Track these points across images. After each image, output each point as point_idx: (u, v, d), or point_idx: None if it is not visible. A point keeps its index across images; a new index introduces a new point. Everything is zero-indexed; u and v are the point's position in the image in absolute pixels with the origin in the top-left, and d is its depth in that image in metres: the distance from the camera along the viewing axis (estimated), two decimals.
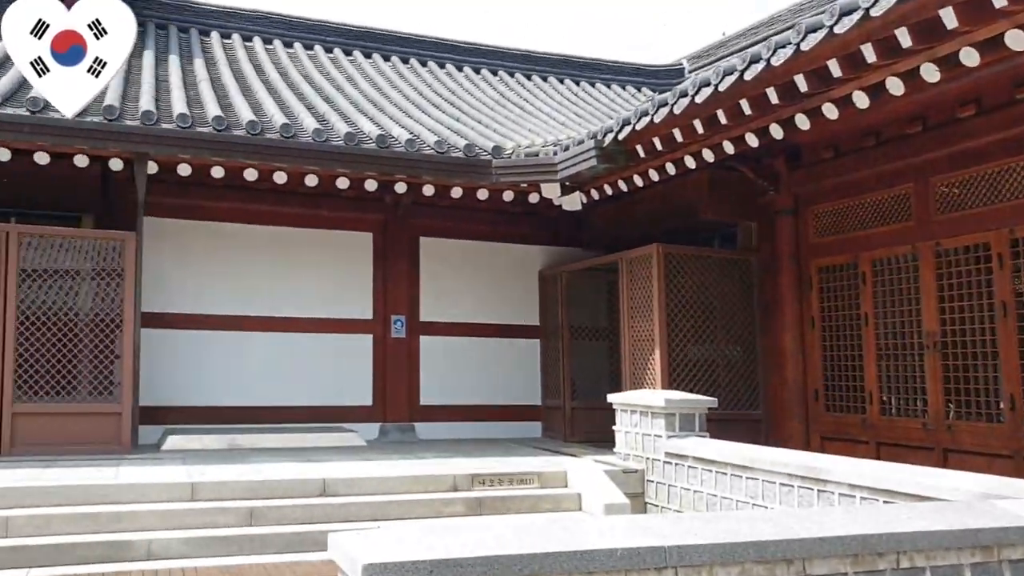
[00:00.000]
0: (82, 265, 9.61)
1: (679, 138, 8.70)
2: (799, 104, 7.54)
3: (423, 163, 10.42)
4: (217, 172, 10.23)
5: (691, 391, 9.71)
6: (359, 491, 8.09)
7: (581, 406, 12.03)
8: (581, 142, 9.86)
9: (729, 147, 8.65)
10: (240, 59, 14.08)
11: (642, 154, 9.39)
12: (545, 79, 17.06)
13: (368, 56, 16.02)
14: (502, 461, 9.36)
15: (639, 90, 17.60)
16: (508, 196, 11.32)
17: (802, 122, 7.78)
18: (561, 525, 3.42)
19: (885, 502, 5.53)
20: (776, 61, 6.95)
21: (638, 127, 8.87)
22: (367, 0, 37.45)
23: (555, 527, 3.36)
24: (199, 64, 12.98)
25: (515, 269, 13.01)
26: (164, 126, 9.39)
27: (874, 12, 5.98)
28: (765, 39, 8.98)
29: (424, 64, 16.31)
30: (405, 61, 16.24)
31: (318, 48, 15.73)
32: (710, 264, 10.46)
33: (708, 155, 8.90)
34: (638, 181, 10.10)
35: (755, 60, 7.19)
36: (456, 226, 12.63)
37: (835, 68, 6.77)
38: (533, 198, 11.34)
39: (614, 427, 9.25)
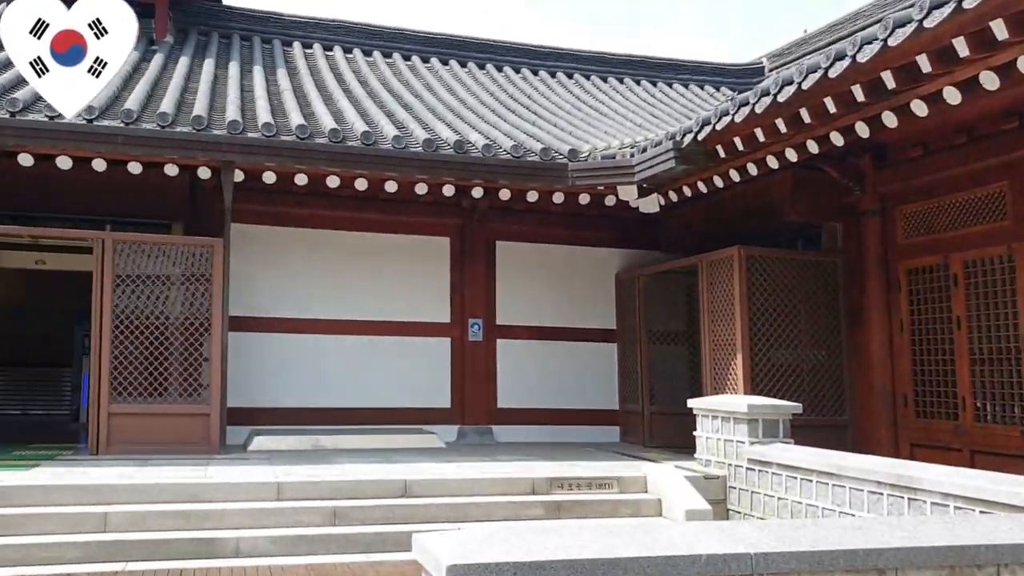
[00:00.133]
0: (172, 271, 9.94)
1: (761, 138, 8.53)
2: (886, 101, 7.33)
3: (499, 167, 10.47)
4: (300, 179, 10.49)
5: (774, 396, 9.51)
6: (439, 493, 8.18)
7: (660, 411, 11.90)
8: (659, 143, 9.77)
9: (813, 146, 8.45)
10: (321, 68, 14.40)
11: (722, 154, 9.25)
12: (621, 80, 16.97)
13: (445, 63, 16.19)
14: (581, 465, 9.33)
15: (717, 90, 17.35)
16: (584, 199, 11.28)
17: (889, 120, 7.56)
18: (644, 530, 3.39)
19: (981, 512, 5.32)
20: (862, 57, 6.76)
21: (718, 127, 8.74)
22: (428, 5, 37.87)
23: (638, 531, 3.33)
24: (282, 74, 13.31)
25: (591, 272, 12.96)
26: (250, 135, 9.66)
27: (967, 4, 5.77)
28: (849, 35, 8.76)
29: (500, 69, 16.40)
30: (481, 67, 16.36)
31: (396, 56, 15.97)
32: (793, 266, 10.22)
33: (791, 155, 8.71)
34: (718, 182, 9.96)
35: (840, 57, 7.01)
36: (532, 230, 12.64)
37: (925, 63, 6.56)
38: (609, 201, 11.28)
39: (694, 432, 9.12)
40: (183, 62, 12.81)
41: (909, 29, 6.27)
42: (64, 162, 9.61)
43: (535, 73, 16.52)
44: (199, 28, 15.02)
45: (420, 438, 11.04)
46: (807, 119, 7.88)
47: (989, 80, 6.57)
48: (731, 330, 10.01)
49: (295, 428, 11.10)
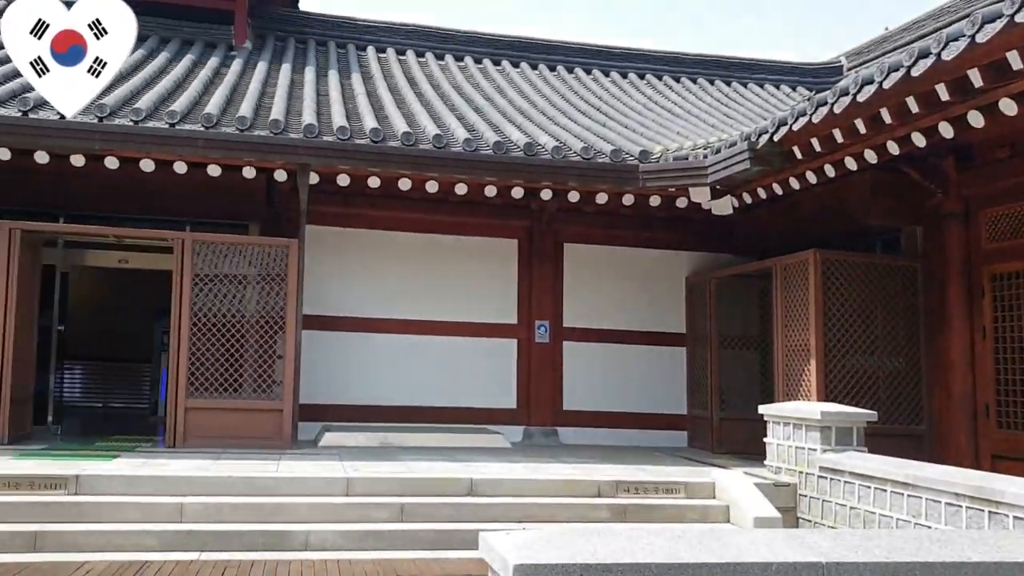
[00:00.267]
0: (248, 270, 10.18)
1: (839, 139, 8.33)
2: (972, 100, 7.08)
3: (569, 169, 10.45)
4: (373, 182, 10.66)
5: (848, 404, 9.27)
6: (505, 492, 8.19)
7: (729, 417, 11.70)
8: (733, 144, 9.62)
9: (894, 147, 8.22)
10: (395, 72, 14.60)
11: (799, 156, 9.06)
12: (694, 80, 16.77)
13: (516, 65, 16.24)
14: (648, 469, 9.25)
15: (794, 89, 17.01)
16: (655, 201, 11.18)
17: (975, 119, 7.30)
18: (713, 535, 3.34)
19: None
20: (947, 55, 6.54)
21: (795, 127, 8.56)
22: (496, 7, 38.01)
23: (707, 537, 3.28)
24: (356, 78, 13.53)
25: (661, 275, 12.83)
26: (325, 139, 9.84)
27: None
28: (933, 32, 8.49)
29: (570, 70, 16.37)
30: (552, 68, 16.35)
31: (468, 59, 16.09)
32: (871, 271, 9.95)
33: (870, 156, 8.49)
34: (794, 184, 9.76)
35: (924, 55, 6.80)
36: (601, 232, 12.58)
37: (1015, 60, 6.31)
38: (681, 203, 11.16)
39: (765, 439, 8.97)
40: (261, 67, 13.12)
41: (999, 25, 6.04)
42: (147, 165, 9.95)
43: (606, 74, 16.44)
44: (276, 34, 15.36)
45: (486, 438, 11.09)
46: (888, 119, 7.67)
47: None
48: (805, 335, 9.80)
49: (364, 425, 11.26)
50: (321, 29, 15.79)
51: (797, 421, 8.37)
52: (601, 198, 11.20)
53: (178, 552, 6.87)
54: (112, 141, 9.44)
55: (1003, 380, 8.83)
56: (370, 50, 15.62)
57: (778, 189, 10.08)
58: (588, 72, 16.41)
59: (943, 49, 6.57)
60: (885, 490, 7.04)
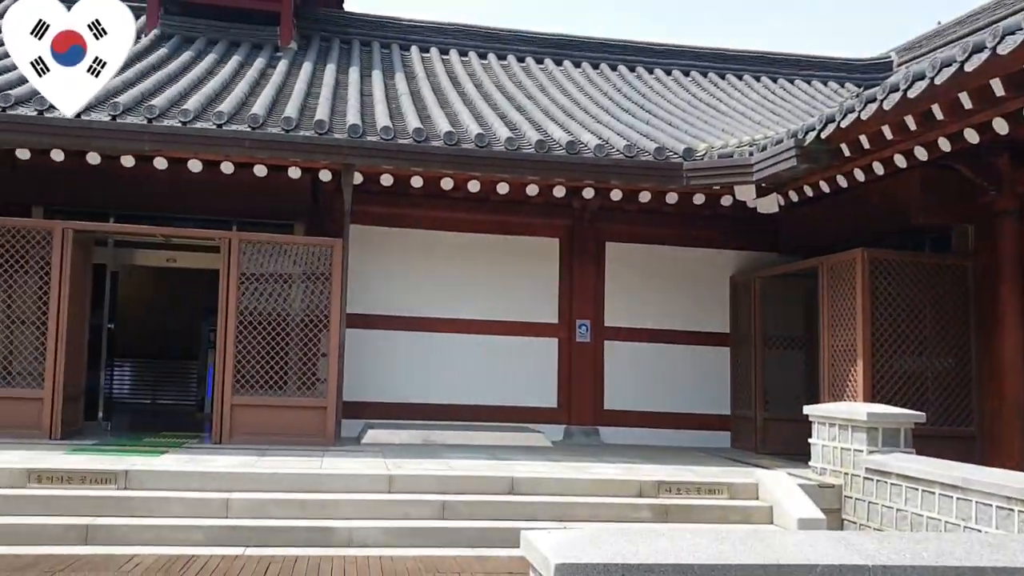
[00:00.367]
0: (293, 269, 10.30)
1: (889, 135, 8.17)
2: None
3: (611, 168, 10.41)
4: (416, 182, 10.73)
5: (895, 405, 9.09)
6: (545, 491, 8.19)
7: (774, 417, 11.56)
8: (780, 141, 9.49)
9: (945, 144, 8.04)
10: (437, 72, 14.66)
11: (847, 153, 8.91)
12: (740, 77, 16.57)
13: (559, 63, 16.20)
14: (690, 470, 9.17)
15: (842, 86, 16.73)
16: (699, 199, 11.08)
17: None
18: (757, 536, 3.30)
19: None
20: (1003, 50, 6.37)
21: (843, 124, 8.41)
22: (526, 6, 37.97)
23: (751, 538, 3.24)
24: (400, 78, 13.62)
25: (704, 274, 12.71)
26: (369, 139, 9.92)
27: None
28: (988, 26, 8.29)
29: (614, 68, 16.29)
30: (595, 66, 16.29)
31: (511, 58, 16.09)
32: (920, 270, 9.76)
33: (921, 153, 8.32)
34: (841, 182, 9.60)
35: (978, 49, 6.63)
36: (643, 231, 12.50)
37: None
38: (725, 201, 11.05)
39: (810, 440, 8.85)
40: (306, 68, 13.27)
41: None
42: (195, 165, 10.13)
43: (650, 71, 16.33)
44: (321, 34, 15.52)
45: (527, 436, 11.09)
46: (939, 116, 7.51)
47: None
48: (852, 335, 9.64)
49: (406, 423, 11.33)
50: (365, 29, 15.92)
51: (843, 422, 8.24)
52: (644, 196, 11.13)
53: (224, 547, 6.98)
54: (161, 142, 9.62)
55: None
56: (414, 49, 15.71)
57: (825, 187, 9.92)
58: (632, 69, 16.31)
59: (999, 43, 6.40)
60: (933, 493, 6.90)
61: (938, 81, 7.07)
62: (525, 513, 7.82)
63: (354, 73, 13.34)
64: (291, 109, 10.40)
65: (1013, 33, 6.29)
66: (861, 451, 7.94)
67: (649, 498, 8.26)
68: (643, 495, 8.30)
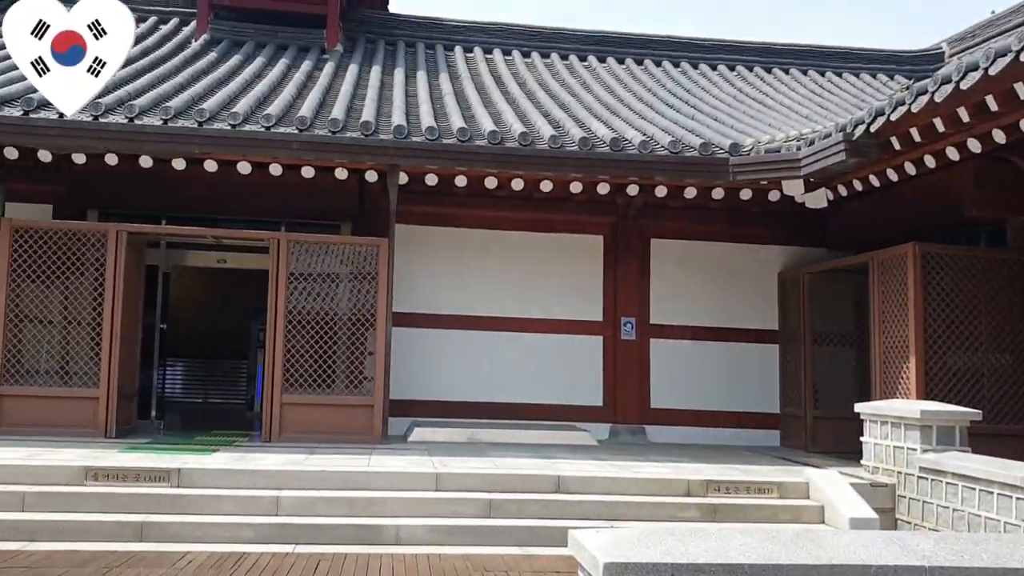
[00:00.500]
0: (340, 269, 10.41)
1: (941, 128, 8.00)
2: None
3: (656, 164, 10.33)
4: (460, 181, 10.77)
5: (950, 402, 8.91)
6: (592, 490, 8.17)
7: (824, 415, 11.39)
8: (828, 135, 9.34)
9: (1000, 136, 7.85)
10: (481, 71, 14.70)
11: (897, 146, 8.74)
12: (787, 71, 16.34)
13: (602, 60, 16.13)
14: (738, 469, 9.08)
15: (891, 78, 16.40)
16: (746, 195, 10.96)
17: None
18: (808, 536, 3.25)
19: None
20: None
21: (893, 117, 8.25)
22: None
23: (802, 538, 3.20)
24: (444, 78, 13.68)
25: (751, 271, 12.57)
26: (414, 139, 9.98)
27: None
28: None
29: (659, 64, 16.17)
30: (639, 63, 16.19)
31: (554, 56, 16.06)
32: (975, 264, 9.54)
33: (974, 145, 8.13)
34: (892, 175, 9.42)
35: None
36: (689, 227, 12.40)
37: None
38: (773, 196, 10.91)
39: (861, 438, 8.71)
40: (352, 70, 13.39)
41: None
42: (244, 167, 10.29)
43: (695, 67, 16.18)
44: (366, 36, 15.65)
45: (572, 435, 11.07)
46: (994, 107, 7.33)
47: None
48: (904, 332, 9.45)
49: (452, 421, 11.38)
50: (410, 30, 16.02)
51: (896, 420, 8.09)
52: (689, 192, 11.04)
53: (274, 544, 7.07)
54: (211, 145, 9.77)
55: None
56: (458, 50, 15.76)
57: (875, 181, 9.75)
58: (676, 65, 16.18)
59: None
60: (991, 492, 6.74)
61: (992, 72, 6.89)
62: (572, 512, 7.81)
63: (399, 74, 13.43)
64: (338, 111, 10.50)
65: None
66: (915, 449, 7.79)
67: (697, 497, 8.19)
68: (691, 494, 8.23)
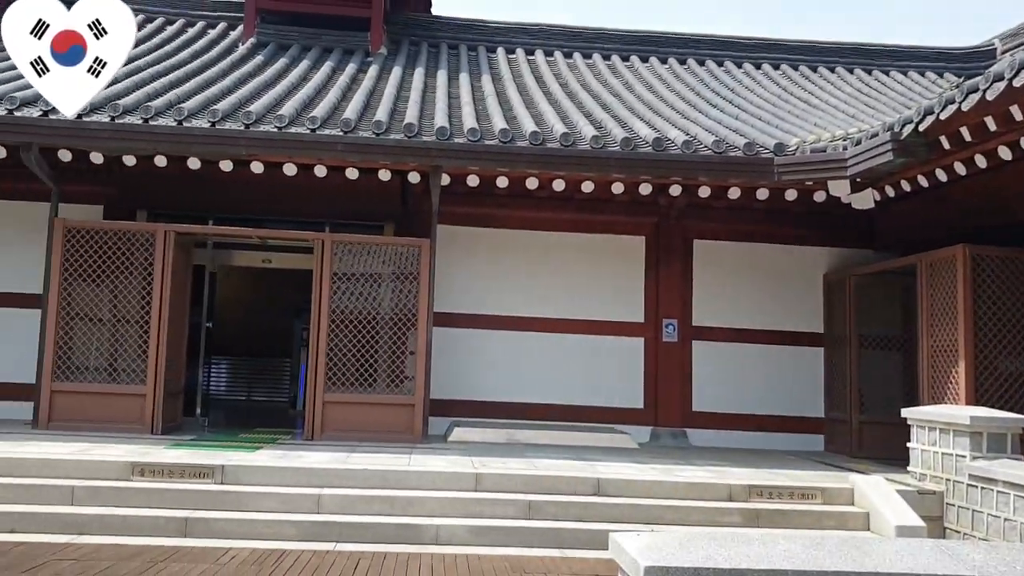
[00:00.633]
0: (383, 269, 10.49)
1: (992, 127, 7.82)
2: None
3: (699, 164, 10.24)
4: (502, 182, 10.79)
5: (1000, 408, 8.70)
6: (632, 493, 8.12)
7: (869, 420, 11.20)
8: (875, 135, 9.18)
9: None
10: (523, 72, 14.71)
11: (947, 146, 8.56)
12: (832, 70, 16.10)
13: (644, 60, 16.05)
14: (781, 473, 8.96)
15: (940, 76, 16.08)
16: (791, 195, 10.82)
17: None
18: (853, 543, 3.19)
19: None
20: None
21: (943, 116, 8.08)
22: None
23: (846, 545, 3.15)
24: (486, 80, 13.71)
25: (795, 273, 12.40)
26: (456, 140, 10.01)
27: None
28: None
29: (701, 63, 16.04)
30: (682, 62, 16.08)
31: (596, 56, 16.02)
32: None
33: None
34: (941, 176, 9.23)
35: None
36: (732, 228, 12.28)
37: None
38: (818, 197, 10.75)
39: (908, 444, 8.54)
40: (395, 72, 13.48)
41: None
42: (290, 169, 10.42)
43: (739, 66, 16.03)
44: (410, 39, 15.76)
45: (612, 437, 11.02)
46: None
47: None
48: (953, 335, 9.26)
49: (492, 421, 11.40)
50: (452, 32, 16.10)
51: (944, 426, 7.92)
52: (733, 193, 10.93)
53: (315, 542, 7.14)
54: (257, 147, 9.91)
55: None
56: (500, 51, 15.80)
57: (923, 181, 9.55)
58: (720, 64, 16.03)
59: None
60: None
61: None
62: (611, 515, 7.77)
63: (442, 76, 13.49)
64: (381, 113, 10.58)
65: None
66: (964, 457, 7.62)
67: (739, 502, 8.11)
68: (733, 499, 8.14)
